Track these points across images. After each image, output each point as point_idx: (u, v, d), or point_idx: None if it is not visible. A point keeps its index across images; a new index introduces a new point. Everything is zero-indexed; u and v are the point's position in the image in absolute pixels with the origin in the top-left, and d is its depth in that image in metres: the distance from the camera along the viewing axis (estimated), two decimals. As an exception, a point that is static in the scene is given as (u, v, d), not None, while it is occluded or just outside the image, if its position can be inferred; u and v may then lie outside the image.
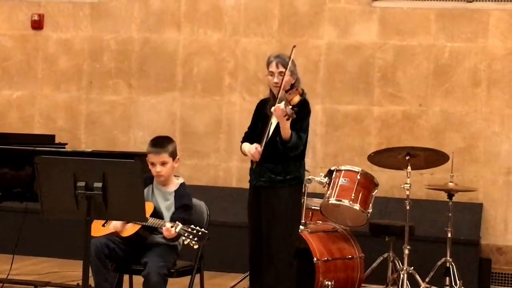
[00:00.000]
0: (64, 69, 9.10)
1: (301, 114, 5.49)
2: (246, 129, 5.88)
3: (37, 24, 9.13)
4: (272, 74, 5.59)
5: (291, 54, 5.53)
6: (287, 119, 5.29)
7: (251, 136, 5.74)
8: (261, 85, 8.51)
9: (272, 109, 5.35)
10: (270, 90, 5.70)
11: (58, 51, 9.11)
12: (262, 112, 5.67)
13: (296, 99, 5.46)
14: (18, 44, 9.21)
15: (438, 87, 8.28)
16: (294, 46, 5.54)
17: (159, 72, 8.87)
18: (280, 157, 5.52)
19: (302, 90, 5.58)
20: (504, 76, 8.16)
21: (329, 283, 6.33)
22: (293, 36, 8.54)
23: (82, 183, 4.32)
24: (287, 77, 5.54)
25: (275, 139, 5.47)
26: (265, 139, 5.48)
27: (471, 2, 8.30)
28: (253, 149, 5.51)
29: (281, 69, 5.54)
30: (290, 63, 5.55)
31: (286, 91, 5.53)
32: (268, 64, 5.63)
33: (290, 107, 5.30)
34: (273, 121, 5.54)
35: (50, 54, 9.14)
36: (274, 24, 8.61)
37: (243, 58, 8.68)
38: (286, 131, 5.38)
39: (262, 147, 5.49)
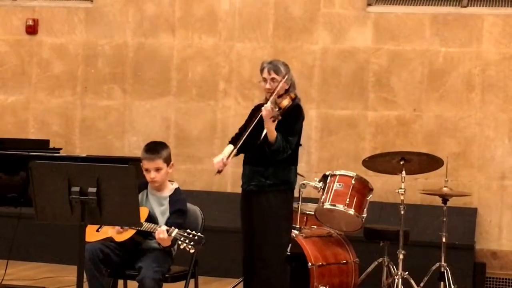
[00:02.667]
0: (58, 74, 9.09)
1: (290, 118, 5.53)
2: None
3: (32, 29, 9.12)
4: (265, 80, 5.64)
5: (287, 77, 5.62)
6: (273, 121, 5.35)
7: (239, 137, 5.74)
8: (255, 90, 8.52)
9: (262, 108, 5.39)
10: (266, 96, 5.73)
11: (53, 56, 9.10)
12: (254, 117, 5.68)
13: (285, 102, 5.53)
14: (12, 49, 9.20)
15: (432, 92, 8.30)
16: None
17: (153, 77, 8.87)
18: (270, 161, 5.54)
19: (295, 95, 5.63)
20: (498, 81, 8.18)
21: (324, 288, 6.34)
22: (288, 41, 8.55)
23: (76, 188, 4.32)
24: (280, 83, 5.58)
25: (266, 142, 5.50)
26: (239, 145, 5.55)
27: (465, 7, 8.32)
28: (216, 159, 5.61)
29: (273, 75, 5.60)
30: (283, 69, 5.61)
31: (279, 96, 5.57)
32: (261, 70, 5.70)
33: (277, 109, 5.35)
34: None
35: (44, 59, 9.13)
36: (269, 29, 8.62)
37: (238, 63, 8.68)
38: (271, 133, 5.43)
39: (235, 150, 5.56)
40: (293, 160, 5.69)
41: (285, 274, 5.63)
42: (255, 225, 5.60)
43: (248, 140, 5.62)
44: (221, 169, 5.57)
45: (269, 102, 5.42)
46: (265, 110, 5.36)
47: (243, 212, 5.75)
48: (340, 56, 8.48)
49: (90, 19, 9.03)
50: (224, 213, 7.96)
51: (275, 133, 5.43)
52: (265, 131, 5.53)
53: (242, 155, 5.82)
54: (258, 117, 5.52)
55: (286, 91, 5.64)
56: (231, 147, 5.71)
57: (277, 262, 5.58)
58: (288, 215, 5.78)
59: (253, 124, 5.53)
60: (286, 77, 5.60)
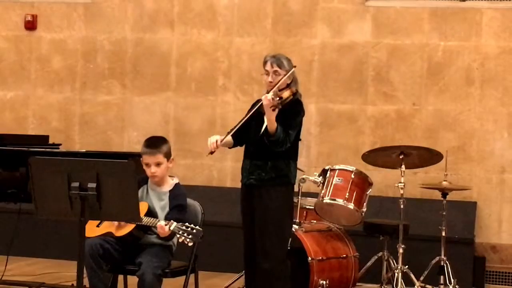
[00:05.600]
0: (57, 69, 9.09)
1: (291, 112, 5.52)
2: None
3: (31, 25, 9.12)
4: (267, 73, 5.63)
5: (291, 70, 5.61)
6: (273, 109, 5.31)
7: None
8: (255, 85, 8.52)
9: (263, 97, 5.38)
10: (267, 90, 5.71)
11: (52, 52, 9.10)
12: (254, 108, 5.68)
13: (286, 94, 5.50)
14: (11, 45, 9.19)
15: (431, 86, 8.30)
16: (295, 66, 5.65)
17: (152, 72, 8.87)
18: (269, 155, 5.53)
19: (296, 90, 5.61)
20: (497, 74, 8.18)
21: (324, 282, 6.34)
22: (287, 35, 8.55)
23: (76, 184, 4.31)
24: (284, 77, 5.56)
25: (266, 133, 5.48)
26: (234, 129, 5.50)
27: (464, 1, 8.31)
28: (212, 139, 5.52)
29: (276, 68, 5.60)
30: (286, 64, 5.60)
31: (280, 90, 5.56)
32: (264, 63, 5.68)
33: (278, 98, 5.34)
34: (266, 118, 5.55)
35: (43, 55, 9.12)
36: (268, 23, 8.62)
37: (237, 58, 8.68)
38: (271, 123, 5.39)
39: (229, 136, 5.53)
40: (293, 154, 5.68)
41: (286, 268, 5.64)
42: (256, 219, 5.60)
43: (249, 135, 5.63)
44: (214, 150, 5.50)
45: (270, 92, 5.41)
46: (266, 100, 5.33)
47: (243, 206, 5.75)
48: (339, 50, 8.47)
49: (89, 14, 9.02)
50: (224, 208, 7.97)
51: (275, 124, 5.39)
52: (265, 124, 5.53)
53: (240, 149, 5.82)
54: (257, 108, 5.50)
55: (288, 86, 5.63)
56: (229, 137, 5.64)
57: (279, 256, 5.58)
58: (289, 209, 5.78)
59: (253, 115, 5.50)
60: (291, 71, 5.59)
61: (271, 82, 5.60)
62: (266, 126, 5.50)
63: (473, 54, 8.22)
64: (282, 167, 5.61)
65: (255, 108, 5.55)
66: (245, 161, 5.72)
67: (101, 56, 8.99)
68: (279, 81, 5.56)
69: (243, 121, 5.53)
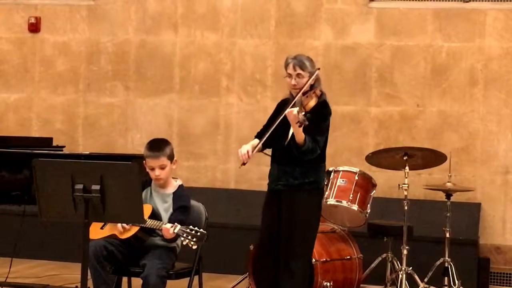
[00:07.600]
0: (61, 71, 9.10)
1: (318, 117, 5.42)
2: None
3: (34, 27, 9.13)
4: (290, 76, 5.53)
5: (316, 73, 5.51)
6: (299, 126, 5.23)
7: (263, 132, 5.66)
8: (258, 86, 8.52)
9: (286, 112, 5.29)
10: (290, 91, 5.63)
11: (55, 54, 9.11)
12: (280, 112, 5.62)
13: (312, 103, 5.39)
14: (15, 47, 9.20)
15: (435, 87, 8.29)
16: (319, 69, 5.56)
17: (156, 74, 8.87)
18: (298, 160, 5.44)
19: (321, 91, 5.53)
20: (501, 75, 8.17)
21: (328, 284, 6.33)
22: (290, 37, 8.55)
23: (80, 186, 4.32)
24: (305, 79, 5.48)
25: (294, 143, 5.41)
26: (264, 138, 5.43)
27: (467, 2, 8.31)
28: (243, 150, 5.43)
29: (299, 70, 5.49)
30: (308, 65, 5.51)
31: (304, 93, 5.46)
32: (286, 66, 5.55)
33: (303, 113, 5.23)
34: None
35: (47, 57, 9.13)
36: (271, 25, 8.62)
37: (240, 60, 8.68)
38: (299, 136, 5.31)
39: (260, 145, 5.43)
40: (322, 158, 5.58)
41: (308, 271, 5.61)
42: (283, 224, 5.51)
43: (276, 139, 5.52)
44: (246, 161, 5.39)
45: (296, 108, 5.24)
46: (291, 115, 5.22)
47: (267, 209, 5.63)
48: (343, 52, 8.47)
49: (92, 16, 9.03)
50: (228, 210, 7.97)
51: (303, 135, 5.30)
52: (291, 131, 5.42)
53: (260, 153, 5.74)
54: (283, 115, 5.37)
55: (311, 87, 5.53)
56: (256, 141, 5.57)
57: (306, 258, 5.57)
58: (317, 215, 5.66)
59: (279, 121, 5.38)
60: (315, 74, 5.48)
61: (295, 85, 5.50)
62: (293, 134, 5.39)
63: (476, 55, 8.21)
64: (311, 172, 5.51)
65: (281, 116, 5.39)
66: (273, 166, 5.62)
67: (104, 58, 8.99)
68: (303, 87, 5.42)
69: (272, 129, 5.40)
